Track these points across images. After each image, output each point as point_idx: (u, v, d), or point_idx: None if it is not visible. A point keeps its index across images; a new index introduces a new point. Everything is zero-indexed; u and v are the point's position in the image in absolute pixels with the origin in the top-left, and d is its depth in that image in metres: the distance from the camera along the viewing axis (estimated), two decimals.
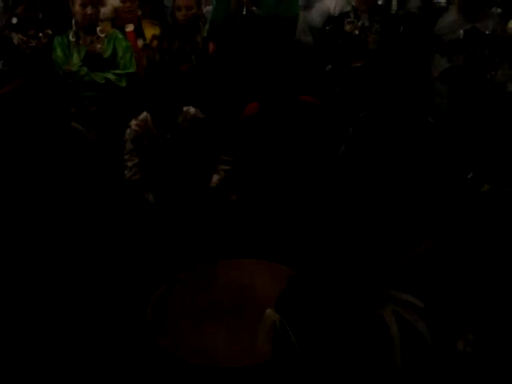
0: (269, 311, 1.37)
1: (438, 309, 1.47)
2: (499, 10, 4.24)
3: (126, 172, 3.04)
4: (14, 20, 3.59)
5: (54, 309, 2.40)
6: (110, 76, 3.41)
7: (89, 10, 3.36)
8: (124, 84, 3.43)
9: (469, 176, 2.03)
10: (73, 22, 3.44)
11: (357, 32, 3.83)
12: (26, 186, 2.74)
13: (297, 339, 1.27)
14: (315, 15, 4.18)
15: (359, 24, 3.85)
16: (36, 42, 3.60)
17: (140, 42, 3.78)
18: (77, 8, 3.37)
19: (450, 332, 1.49)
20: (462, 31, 3.70)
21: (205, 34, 3.70)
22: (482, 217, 1.65)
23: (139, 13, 3.89)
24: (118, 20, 3.77)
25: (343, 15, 3.97)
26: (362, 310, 1.29)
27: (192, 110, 3.07)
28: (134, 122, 3.04)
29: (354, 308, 1.29)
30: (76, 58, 3.42)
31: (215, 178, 3.07)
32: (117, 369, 2.17)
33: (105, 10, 3.66)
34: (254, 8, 3.53)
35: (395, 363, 1.24)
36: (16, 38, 3.55)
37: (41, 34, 3.60)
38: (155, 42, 3.73)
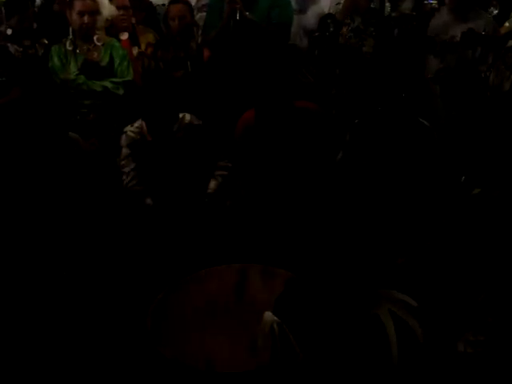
0: (266, 314, 1.38)
1: (438, 309, 1.48)
2: (495, 12, 4.25)
3: (123, 178, 3.04)
4: (9, 31, 3.60)
5: (54, 315, 2.41)
6: (108, 84, 3.42)
7: (86, 19, 3.38)
8: (121, 92, 3.44)
9: (462, 179, 2.04)
10: (70, 30, 3.47)
11: (352, 35, 3.85)
12: (25, 193, 2.76)
13: (296, 341, 1.29)
14: (311, 18, 4.20)
15: (354, 26, 3.87)
16: (33, 52, 3.62)
17: (135, 50, 3.79)
18: (74, 17, 3.39)
19: (450, 333, 1.50)
20: (459, 33, 3.70)
21: (199, 41, 3.72)
22: (475, 219, 1.67)
23: (133, 21, 3.91)
24: (112, 28, 3.77)
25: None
26: (357, 310, 1.31)
27: (188, 116, 3.07)
28: (129, 128, 3.05)
29: (350, 308, 1.31)
30: (73, 67, 3.43)
31: (212, 183, 3.08)
32: (117, 376, 2.18)
33: (99, 19, 3.68)
34: (248, 13, 3.54)
35: (392, 361, 1.26)
36: (12, 48, 3.56)
37: (37, 45, 3.61)
38: (150, 50, 3.75)
